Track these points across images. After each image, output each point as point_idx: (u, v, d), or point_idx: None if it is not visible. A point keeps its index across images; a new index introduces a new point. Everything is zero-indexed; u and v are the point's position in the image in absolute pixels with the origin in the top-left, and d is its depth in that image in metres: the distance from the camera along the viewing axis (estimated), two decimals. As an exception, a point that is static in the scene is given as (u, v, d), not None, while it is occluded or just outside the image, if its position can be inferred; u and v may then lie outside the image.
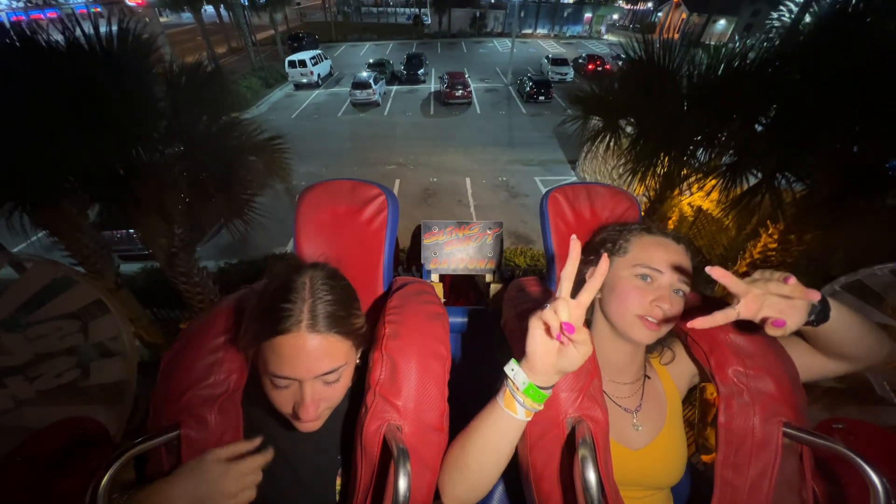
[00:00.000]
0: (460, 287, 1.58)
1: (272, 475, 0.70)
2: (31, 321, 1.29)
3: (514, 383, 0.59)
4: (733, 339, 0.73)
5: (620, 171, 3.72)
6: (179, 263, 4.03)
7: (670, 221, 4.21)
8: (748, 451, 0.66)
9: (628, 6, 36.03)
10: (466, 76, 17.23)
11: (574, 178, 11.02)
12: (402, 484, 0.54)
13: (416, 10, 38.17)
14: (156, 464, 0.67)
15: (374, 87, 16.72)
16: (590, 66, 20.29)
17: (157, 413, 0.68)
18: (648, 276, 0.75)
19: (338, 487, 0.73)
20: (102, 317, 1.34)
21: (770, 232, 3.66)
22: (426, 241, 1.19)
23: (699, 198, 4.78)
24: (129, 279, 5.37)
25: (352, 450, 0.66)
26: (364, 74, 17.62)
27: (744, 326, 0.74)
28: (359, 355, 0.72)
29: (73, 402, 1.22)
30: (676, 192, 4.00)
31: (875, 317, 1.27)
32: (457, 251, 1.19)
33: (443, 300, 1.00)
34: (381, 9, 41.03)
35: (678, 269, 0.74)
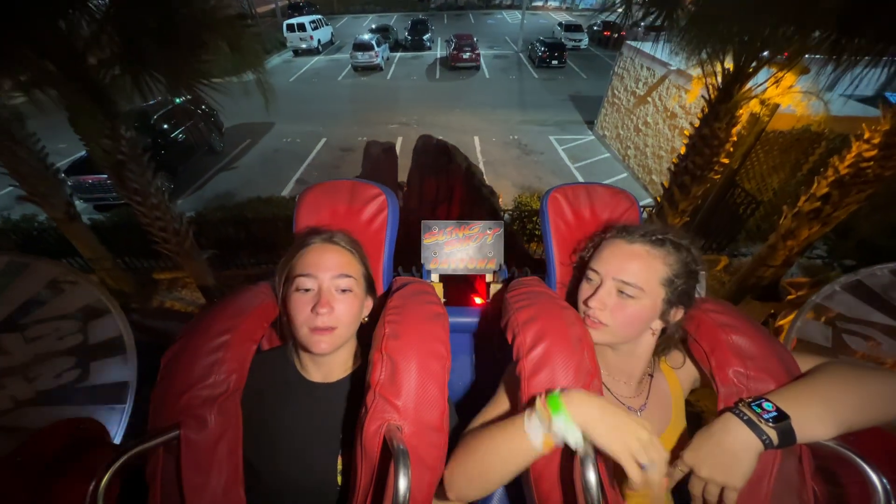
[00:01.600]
0: (460, 287, 1.57)
1: (274, 453, 0.72)
2: (31, 321, 1.28)
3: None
4: (735, 340, 0.73)
5: (684, 49, 3.02)
6: (133, 179, 3.57)
7: (739, 123, 3.53)
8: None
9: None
10: (475, 39, 16.52)
11: (592, 138, 10.62)
12: (402, 484, 0.54)
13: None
14: (156, 464, 0.67)
15: (376, 48, 16.02)
16: (605, 33, 19.60)
17: (157, 413, 0.68)
18: (593, 281, 0.77)
19: (339, 467, 0.74)
20: (102, 317, 1.32)
21: (867, 136, 3.03)
22: (426, 241, 1.18)
23: (781, 91, 3.47)
24: (96, 224, 5.03)
25: (352, 450, 0.66)
26: (366, 36, 16.87)
27: (745, 328, 0.74)
28: (366, 311, 0.80)
29: (73, 402, 1.21)
30: (746, 85, 3.30)
31: (875, 317, 1.25)
32: (457, 251, 1.18)
33: (443, 300, 1.00)
34: (387, -20, 39.58)
35: (626, 271, 0.73)
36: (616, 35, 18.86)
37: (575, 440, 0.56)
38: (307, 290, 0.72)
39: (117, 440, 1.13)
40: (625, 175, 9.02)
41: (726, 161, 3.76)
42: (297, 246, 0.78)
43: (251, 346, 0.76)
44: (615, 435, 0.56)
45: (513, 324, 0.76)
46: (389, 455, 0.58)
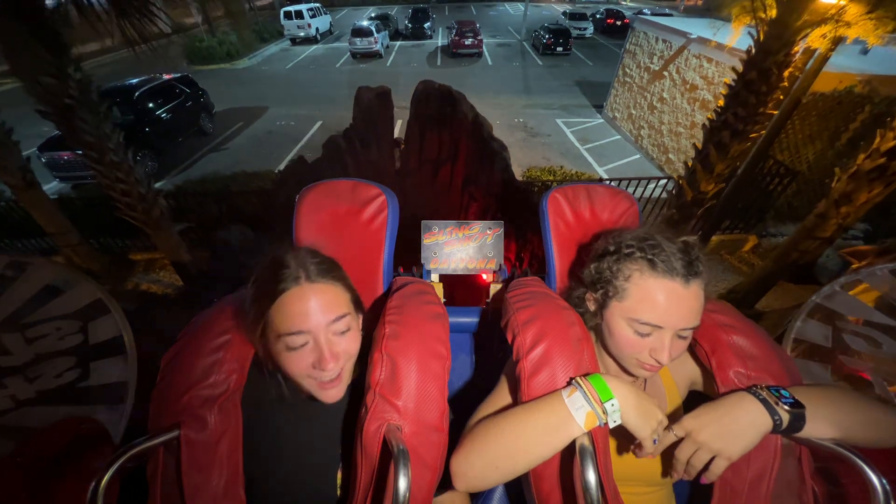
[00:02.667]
0: (461, 287, 1.54)
1: (273, 467, 0.72)
2: (31, 321, 1.28)
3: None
4: (736, 341, 0.73)
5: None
6: (86, 130, 3.08)
7: (792, 64, 2.96)
8: (747, 453, 0.64)
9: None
10: (477, 25, 16.10)
11: (601, 121, 10.24)
12: (402, 484, 0.54)
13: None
14: (156, 464, 0.67)
15: (375, 35, 15.63)
16: (608, 21, 19.67)
17: (157, 413, 0.69)
18: (646, 333, 0.68)
19: (338, 480, 0.73)
20: (102, 317, 1.32)
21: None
22: (426, 241, 1.17)
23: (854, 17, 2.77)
24: (66, 201, 4.56)
25: (352, 450, 0.66)
26: (365, 22, 16.48)
27: (745, 328, 0.75)
28: (359, 326, 0.73)
29: (73, 402, 1.19)
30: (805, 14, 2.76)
31: (875, 317, 1.25)
32: (457, 251, 1.17)
33: (443, 300, 0.99)
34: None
35: (689, 319, 0.67)
36: (619, 23, 19.00)
37: (616, 420, 0.62)
38: (302, 346, 0.64)
39: (117, 440, 1.10)
40: (637, 156, 8.59)
41: (774, 113, 3.26)
42: (267, 292, 0.65)
43: (251, 347, 0.74)
44: (644, 419, 0.62)
45: (513, 324, 0.75)
46: (389, 455, 0.58)
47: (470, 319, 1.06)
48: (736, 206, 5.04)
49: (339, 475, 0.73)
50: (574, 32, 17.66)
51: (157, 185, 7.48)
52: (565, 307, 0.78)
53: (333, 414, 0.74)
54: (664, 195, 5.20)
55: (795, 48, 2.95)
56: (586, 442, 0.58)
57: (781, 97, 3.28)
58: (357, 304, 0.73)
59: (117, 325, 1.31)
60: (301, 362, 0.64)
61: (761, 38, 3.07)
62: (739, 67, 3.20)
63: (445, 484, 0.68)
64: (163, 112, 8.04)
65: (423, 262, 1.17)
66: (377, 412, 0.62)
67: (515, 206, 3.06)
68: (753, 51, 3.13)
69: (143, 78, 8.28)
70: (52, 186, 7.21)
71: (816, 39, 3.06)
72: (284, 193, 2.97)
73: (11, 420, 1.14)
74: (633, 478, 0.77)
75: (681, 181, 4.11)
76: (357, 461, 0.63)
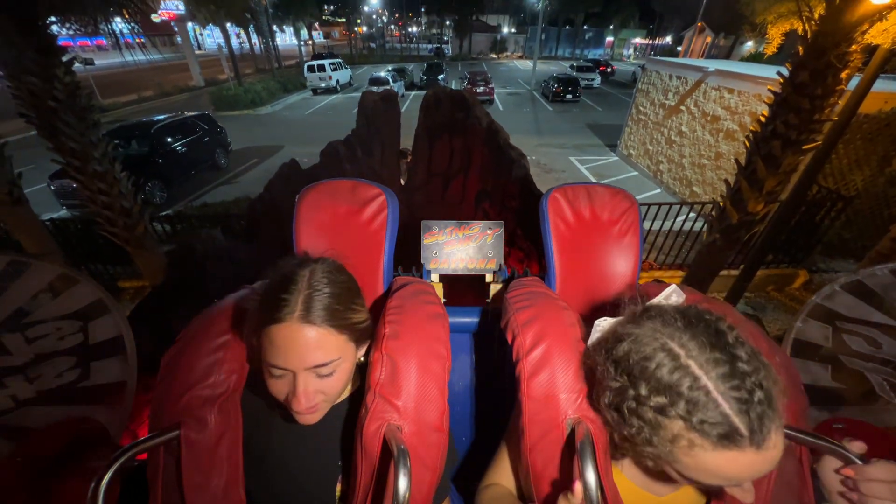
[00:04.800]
0: (460, 287, 1.50)
1: (271, 480, 0.71)
2: (31, 321, 1.27)
3: None
4: None
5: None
6: (69, 135, 2.81)
7: (852, 63, 2.53)
8: None
9: (647, 40, 36.69)
10: (489, 75, 16.83)
11: (615, 158, 10.10)
12: (402, 484, 0.54)
13: (438, 44, 39.50)
14: (156, 464, 0.67)
15: (391, 84, 16.36)
16: (601, 68, 22.21)
17: (157, 413, 0.69)
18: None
19: (338, 493, 0.73)
20: (102, 317, 1.30)
21: None
22: (426, 241, 1.16)
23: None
24: (59, 225, 4.31)
25: (352, 454, 0.66)
26: (382, 73, 17.41)
27: (745, 329, 0.68)
28: (361, 354, 0.72)
29: (73, 402, 1.19)
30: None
31: (875, 317, 1.24)
32: (457, 251, 1.16)
33: (443, 300, 1.00)
34: (404, 45, 43.05)
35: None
36: (610, 69, 21.88)
37: None
38: (281, 376, 0.62)
39: (117, 440, 1.10)
40: (658, 191, 8.29)
41: (834, 119, 2.87)
42: (265, 310, 0.61)
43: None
44: None
45: (512, 324, 0.75)
46: (389, 455, 0.58)
47: (470, 319, 1.05)
48: (780, 237, 4.51)
49: (339, 488, 0.73)
50: (582, 83, 18.40)
51: (164, 213, 7.35)
52: (565, 307, 0.77)
53: (334, 420, 0.74)
54: (689, 224, 4.70)
55: (854, 46, 2.62)
56: (586, 442, 0.57)
57: (840, 103, 2.89)
58: (361, 335, 0.69)
59: (117, 325, 1.29)
60: (277, 390, 0.63)
61: (809, 36, 2.75)
62: (765, 95, 2.87)
63: (445, 484, 0.71)
64: (178, 145, 8.20)
65: (423, 262, 1.15)
66: (377, 412, 0.63)
67: (536, 224, 2.66)
68: (801, 51, 2.81)
69: (165, 115, 8.60)
70: (60, 214, 7.17)
71: (878, 35, 2.73)
72: (269, 197, 2.67)
73: (11, 420, 1.13)
74: None
75: (722, 202, 3.65)
76: (357, 461, 0.64)
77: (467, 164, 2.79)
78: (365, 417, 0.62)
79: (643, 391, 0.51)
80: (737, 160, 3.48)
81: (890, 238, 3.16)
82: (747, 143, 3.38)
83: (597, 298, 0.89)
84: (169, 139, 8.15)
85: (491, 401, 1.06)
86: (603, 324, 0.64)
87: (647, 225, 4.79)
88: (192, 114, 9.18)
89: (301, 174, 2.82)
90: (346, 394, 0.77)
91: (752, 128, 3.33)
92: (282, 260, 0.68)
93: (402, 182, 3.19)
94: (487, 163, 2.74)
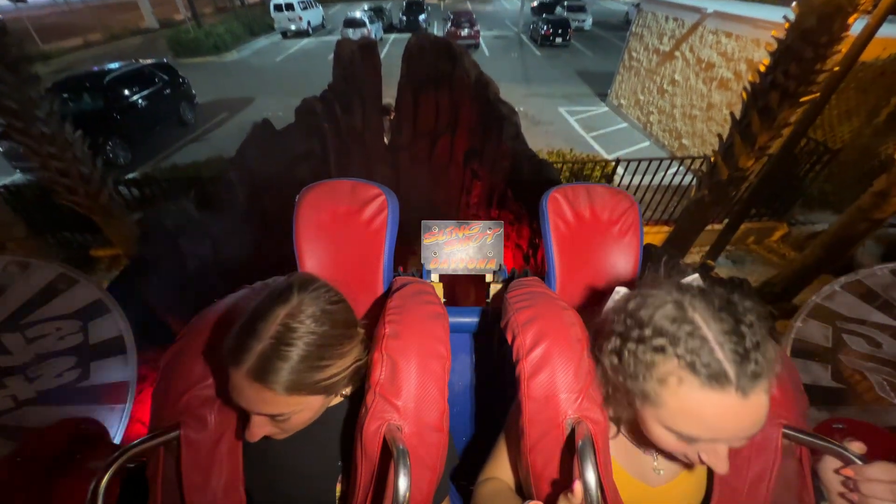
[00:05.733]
0: (461, 287, 1.60)
1: (271, 480, 0.71)
2: (31, 321, 1.27)
3: None
4: None
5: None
6: (5, 93, 2.52)
7: (856, 14, 2.40)
8: (747, 453, 0.66)
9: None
10: (474, 16, 15.62)
11: (605, 109, 9.79)
12: (402, 484, 0.54)
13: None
14: (156, 464, 0.67)
15: (369, 26, 15.10)
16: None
17: (157, 413, 0.69)
18: (694, 441, 0.54)
19: (337, 494, 0.72)
20: (102, 317, 1.30)
21: None
22: (426, 241, 1.16)
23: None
24: (11, 191, 3.99)
25: (352, 454, 0.66)
26: (358, 14, 15.96)
27: None
28: (339, 393, 0.71)
29: (73, 402, 1.20)
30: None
31: (875, 317, 1.25)
32: (457, 251, 1.16)
33: (443, 300, 0.99)
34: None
35: (747, 431, 0.52)
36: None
37: None
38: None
39: (117, 440, 1.10)
40: (647, 143, 8.15)
41: (836, 70, 2.76)
42: (227, 347, 0.57)
43: None
44: None
45: (512, 324, 0.75)
46: (389, 455, 0.58)
47: (470, 319, 1.06)
48: (767, 191, 4.54)
49: (339, 488, 0.72)
50: (573, 24, 17.21)
51: (130, 175, 6.88)
52: (565, 307, 0.77)
53: (333, 423, 0.74)
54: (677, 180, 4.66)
55: (867, -13, 2.45)
56: (586, 442, 0.57)
57: (844, 51, 2.77)
58: (332, 388, 0.64)
59: (117, 325, 1.29)
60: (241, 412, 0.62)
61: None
62: (764, 41, 2.69)
63: (444, 484, 0.72)
64: (137, 98, 7.48)
65: (423, 262, 1.16)
66: (377, 412, 0.62)
67: (528, 184, 2.57)
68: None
69: (116, 64, 7.75)
70: (14, 179, 6.64)
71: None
72: (243, 163, 2.48)
73: (11, 420, 1.13)
74: None
75: (714, 157, 3.59)
76: (357, 461, 0.64)
77: (455, 122, 2.61)
78: (365, 417, 0.62)
79: (647, 333, 0.54)
80: (732, 114, 3.38)
81: (872, 193, 3.18)
82: (745, 95, 3.26)
83: (597, 299, 0.89)
84: (126, 92, 7.37)
85: (491, 401, 1.07)
86: (622, 290, 0.66)
87: (636, 180, 4.74)
88: (149, 62, 8.29)
89: (275, 136, 2.58)
90: (346, 393, 0.77)
91: (750, 78, 3.21)
92: (280, 280, 0.63)
93: (386, 141, 3.00)
94: (476, 120, 2.56)
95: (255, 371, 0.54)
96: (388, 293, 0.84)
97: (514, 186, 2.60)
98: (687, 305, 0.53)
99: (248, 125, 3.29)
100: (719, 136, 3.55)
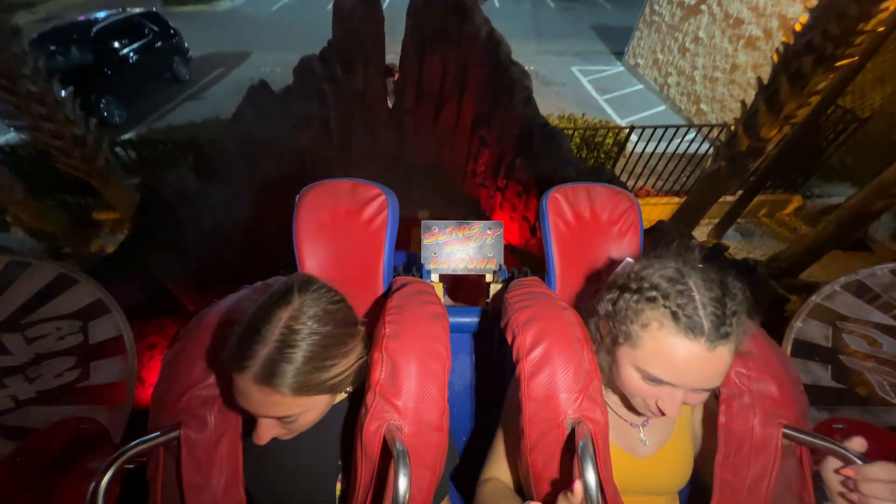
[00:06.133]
0: (461, 287, 1.57)
1: (271, 479, 0.72)
2: (31, 321, 1.27)
3: None
4: None
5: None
6: None
7: None
8: (747, 453, 0.67)
9: None
10: None
11: (621, 69, 9.27)
12: (402, 484, 0.54)
13: None
14: (156, 464, 0.67)
15: (370, -28, 13.91)
16: None
17: (157, 413, 0.69)
18: (657, 384, 0.63)
19: (338, 492, 0.73)
20: (102, 317, 1.31)
21: None
22: (426, 241, 1.17)
23: None
24: (10, 155, 3.90)
25: (352, 453, 0.66)
26: (358, -42, 14.71)
27: (748, 329, 0.71)
28: (341, 392, 0.72)
29: (73, 402, 1.20)
30: None
31: (875, 317, 1.25)
32: (457, 251, 1.17)
33: (443, 300, 0.99)
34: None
35: (710, 381, 0.60)
36: None
37: None
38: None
39: (117, 440, 1.10)
40: (663, 107, 7.70)
41: (881, 31, 2.53)
42: (229, 353, 0.58)
43: None
44: None
45: (512, 324, 0.75)
46: (389, 455, 0.58)
47: (470, 319, 1.06)
48: (786, 162, 4.36)
49: (339, 486, 0.73)
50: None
51: (126, 136, 6.70)
52: (565, 307, 0.77)
53: (334, 422, 0.74)
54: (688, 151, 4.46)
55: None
56: (586, 442, 0.58)
57: (892, 7, 2.52)
58: (336, 387, 0.65)
59: (117, 325, 1.30)
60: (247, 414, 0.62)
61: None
62: None
63: (444, 484, 0.72)
64: (128, 51, 7.09)
65: (423, 262, 1.17)
66: (377, 412, 0.63)
67: (538, 154, 2.44)
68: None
69: (103, 13, 7.28)
70: (8, 138, 6.49)
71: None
72: (240, 129, 2.37)
73: (11, 420, 1.14)
74: (637, 489, 0.76)
75: (734, 126, 3.41)
76: (357, 461, 0.64)
77: (463, 85, 2.43)
78: (365, 417, 0.63)
79: (644, 286, 0.62)
80: (759, 79, 3.16)
81: (900, 165, 3.04)
82: (775, 57, 3.03)
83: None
84: (116, 45, 6.94)
85: (491, 401, 1.07)
86: (631, 260, 0.71)
87: (650, 148, 4.55)
88: (138, 10, 7.79)
89: (272, 99, 2.43)
90: (346, 392, 0.77)
91: (783, 38, 2.96)
92: (279, 282, 0.64)
93: (389, 104, 2.83)
94: (486, 83, 2.40)
95: (261, 375, 0.55)
96: (388, 293, 0.84)
97: (523, 156, 2.48)
98: (685, 273, 0.61)
99: (244, 83, 3.12)
100: (742, 102, 3.34)
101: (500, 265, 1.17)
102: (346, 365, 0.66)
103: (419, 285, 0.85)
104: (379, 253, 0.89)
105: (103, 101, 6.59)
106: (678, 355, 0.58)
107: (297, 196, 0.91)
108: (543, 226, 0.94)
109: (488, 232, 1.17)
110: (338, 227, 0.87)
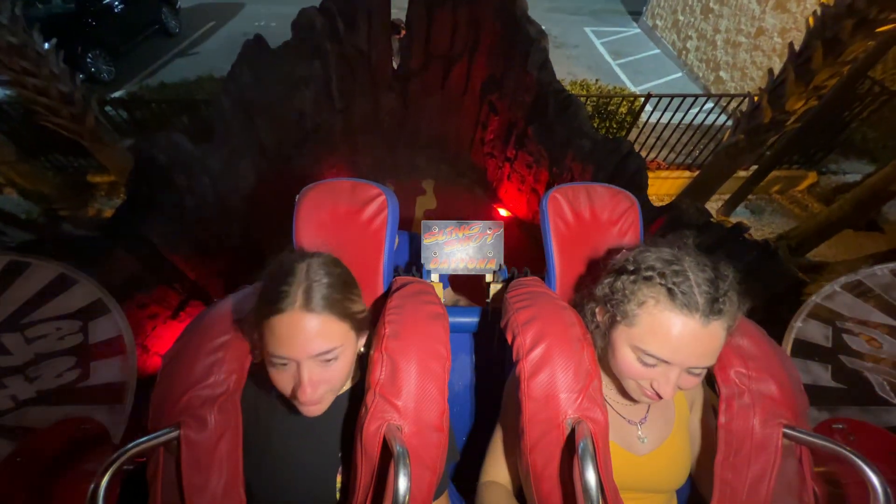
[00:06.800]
0: (461, 287, 1.56)
1: (272, 473, 0.72)
2: (31, 321, 1.27)
3: None
4: (736, 341, 0.73)
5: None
6: None
7: None
8: (747, 453, 0.67)
9: None
10: None
11: (637, 31, 8.82)
12: (402, 484, 0.54)
13: None
14: (156, 464, 0.68)
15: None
16: None
17: (157, 413, 0.69)
18: (652, 364, 0.64)
19: (338, 485, 0.74)
20: (102, 317, 1.31)
21: None
22: (426, 241, 1.18)
23: None
24: None
25: (352, 450, 0.67)
26: None
27: (745, 327, 0.74)
28: (361, 344, 0.74)
29: (73, 402, 1.20)
30: None
31: (875, 317, 1.25)
32: (457, 251, 1.18)
33: (443, 300, 0.99)
34: None
35: (703, 358, 0.62)
36: None
37: None
38: (284, 366, 0.64)
39: (117, 440, 1.10)
40: (679, 74, 7.32)
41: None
42: (265, 304, 0.64)
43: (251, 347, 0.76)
44: None
45: (513, 324, 0.76)
46: (389, 455, 0.58)
47: (470, 319, 1.06)
48: (808, 136, 4.17)
49: (339, 479, 0.73)
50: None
51: (116, 94, 6.43)
52: (565, 307, 0.78)
53: (333, 416, 0.75)
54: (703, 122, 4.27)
55: None
56: (587, 442, 0.58)
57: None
58: (360, 325, 0.71)
59: (117, 325, 1.29)
60: (282, 382, 0.65)
61: None
62: None
63: (444, 482, 0.72)
64: (114, 2, 6.65)
65: (423, 262, 1.17)
66: (377, 412, 0.63)
67: (552, 124, 2.30)
68: None
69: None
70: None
71: None
72: (235, 89, 2.22)
73: (11, 420, 1.13)
74: (635, 487, 0.76)
75: (757, 96, 3.23)
76: (357, 461, 0.64)
77: (474, 44, 2.26)
78: (365, 417, 0.63)
79: (641, 267, 0.65)
80: (791, 45, 2.95)
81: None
82: (811, 21, 2.81)
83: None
84: (98, -8, 6.54)
85: (491, 401, 1.06)
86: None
87: (665, 118, 4.35)
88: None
89: (268, 56, 2.24)
90: (347, 386, 0.78)
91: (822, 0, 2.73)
92: (280, 255, 0.69)
93: (395, 65, 2.65)
94: (498, 43, 2.21)
95: (303, 303, 0.61)
96: (388, 293, 0.85)
97: (535, 124, 2.33)
98: (680, 256, 0.64)
99: (238, 37, 2.90)
100: (770, 70, 3.14)
101: (500, 265, 1.17)
102: (360, 307, 0.71)
103: (419, 285, 0.85)
104: (379, 253, 0.89)
105: (90, 55, 6.21)
106: (674, 331, 0.60)
107: (297, 196, 0.91)
108: (543, 226, 0.94)
109: (488, 232, 1.17)
110: (338, 227, 0.87)
